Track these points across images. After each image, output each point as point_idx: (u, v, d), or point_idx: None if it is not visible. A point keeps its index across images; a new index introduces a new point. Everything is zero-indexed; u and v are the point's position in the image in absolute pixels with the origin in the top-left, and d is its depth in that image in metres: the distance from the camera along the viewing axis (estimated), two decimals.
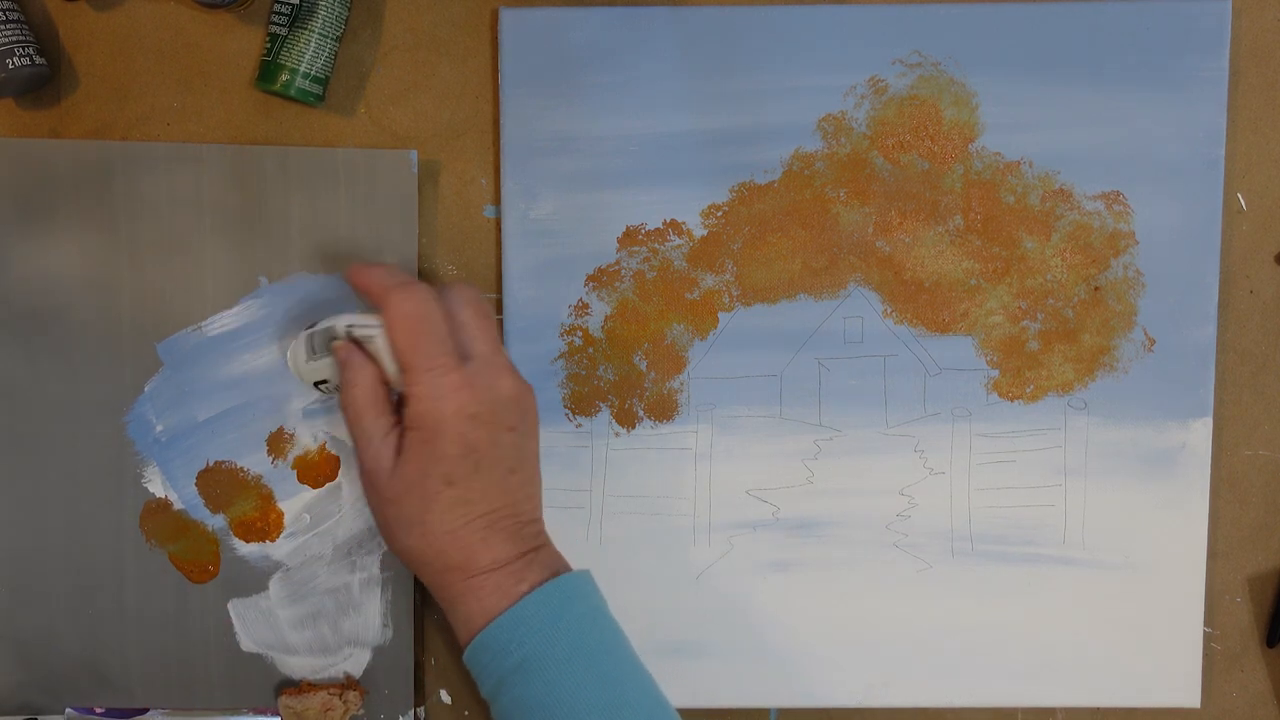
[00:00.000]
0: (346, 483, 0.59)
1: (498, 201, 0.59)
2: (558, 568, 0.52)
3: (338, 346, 0.52)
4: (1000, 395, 0.59)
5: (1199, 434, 0.59)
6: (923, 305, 0.59)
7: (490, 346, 0.52)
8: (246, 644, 0.60)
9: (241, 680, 0.60)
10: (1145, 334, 0.59)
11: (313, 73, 0.57)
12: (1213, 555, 0.60)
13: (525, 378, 0.52)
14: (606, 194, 0.59)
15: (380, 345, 0.51)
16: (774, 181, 0.59)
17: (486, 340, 0.52)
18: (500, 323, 0.60)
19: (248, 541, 0.60)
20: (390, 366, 0.51)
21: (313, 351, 0.54)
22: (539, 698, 0.49)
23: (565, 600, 0.51)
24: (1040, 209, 0.59)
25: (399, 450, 0.51)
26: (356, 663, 0.60)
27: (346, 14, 0.58)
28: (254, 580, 0.60)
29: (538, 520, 0.54)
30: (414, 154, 0.58)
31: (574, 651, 0.50)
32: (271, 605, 0.60)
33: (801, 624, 0.60)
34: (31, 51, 0.56)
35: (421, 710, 0.61)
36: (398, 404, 0.52)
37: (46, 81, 0.58)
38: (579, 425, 0.59)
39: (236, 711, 0.60)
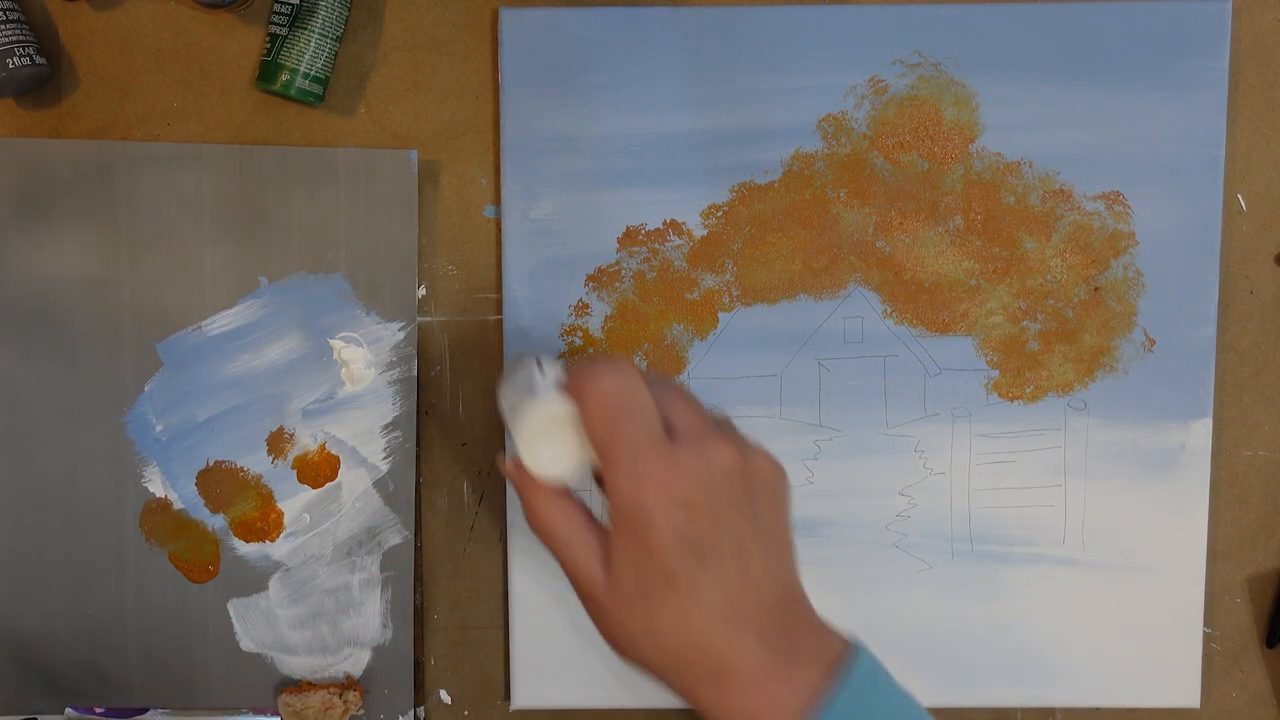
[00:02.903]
0: (346, 482, 0.59)
1: (498, 201, 0.59)
2: (829, 655, 0.44)
3: (506, 469, 0.46)
4: (1000, 395, 0.59)
5: (1199, 434, 0.59)
6: (923, 305, 0.59)
7: (699, 421, 0.45)
8: (246, 644, 0.60)
9: (241, 680, 0.60)
10: (1145, 334, 0.59)
11: (313, 73, 0.57)
12: (1213, 555, 0.60)
13: None
14: (606, 194, 0.59)
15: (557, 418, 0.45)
16: (774, 181, 0.59)
17: (694, 415, 0.45)
18: (500, 324, 0.60)
19: (248, 541, 0.60)
20: (573, 455, 0.45)
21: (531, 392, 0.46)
22: None
23: (864, 709, 0.43)
24: (1040, 209, 0.59)
25: (607, 557, 0.44)
26: (356, 663, 0.60)
27: (346, 14, 0.58)
28: (254, 580, 0.60)
29: (792, 596, 0.45)
30: (414, 154, 0.58)
31: None
32: (271, 605, 0.60)
33: None
34: (31, 51, 0.56)
35: (421, 710, 0.61)
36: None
37: (46, 81, 0.58)
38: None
39: (236, 711, 0.60)
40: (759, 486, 0.45)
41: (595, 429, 0.43)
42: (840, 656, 0.44)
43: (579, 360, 0.45)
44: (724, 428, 0.46)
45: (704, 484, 0.42)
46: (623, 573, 0.43)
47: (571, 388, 0.45)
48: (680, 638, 0.43)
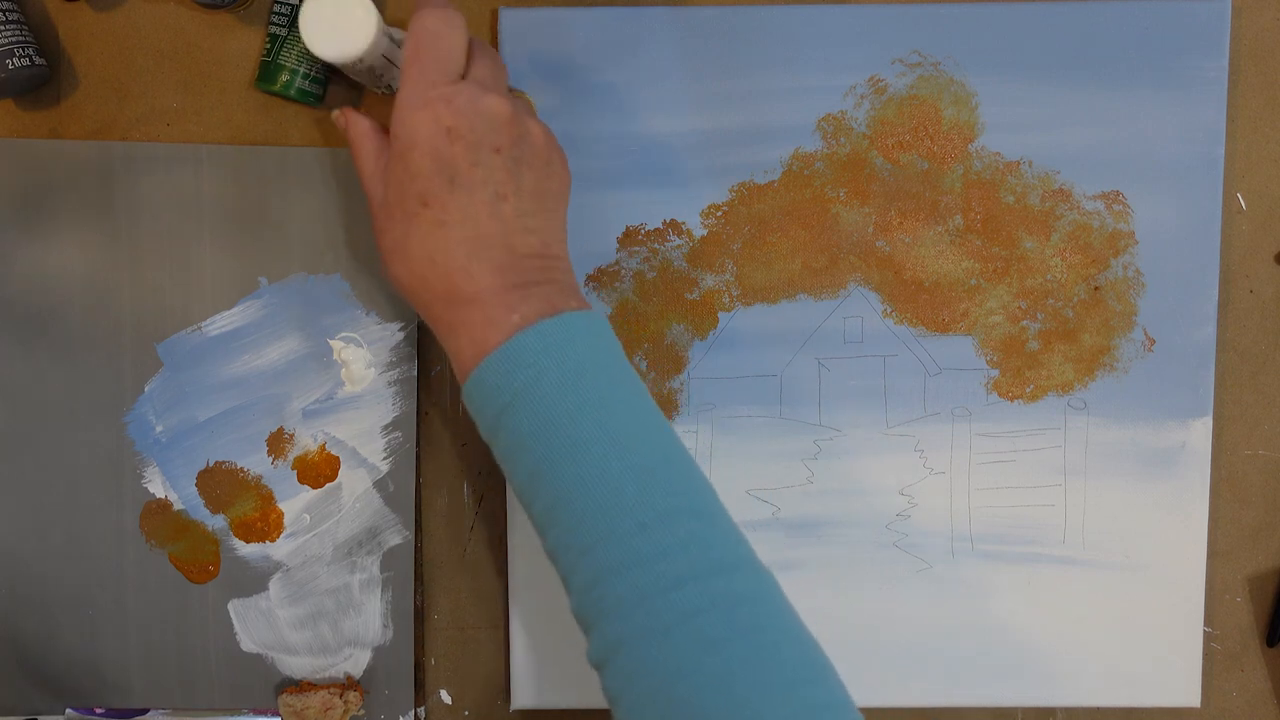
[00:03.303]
0: (346, 483, 0.59)
1: None
2: (562, 306, 0.47)
3: (335, 118, 0.52)
4: (1000, 395, 0.59)
5: (1199, 434, 0.59)
6: (923, 305, 0.59)
7: (492, 79, 0.49)
8: (246, 644, 0.60)
9: (241, 680, 0.60)
10: (1145, 334, 0.59)
11: (312, 73, 0.57)
12: (1213, 555, 0.60)
13: None
14: (606, 194, 0.59)
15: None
16: (774, 181, 0.59)
17: (490, 75, 0.49)
18: None
19: (248, 542, 0.60)
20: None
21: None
22: (532, 429, 0.45)
23: (567, 335, 0.46)
24: (1040, 209, 0.59)
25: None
26: (356, 663, 0.60)
27: None
28: (254, 580, 0.60)
29: (547, 258, 0.48)
30: None
31: (572, 380, 0.45)
32: (271, 605, 0.60)
33: None
34: (31, 52, 0.56)
35: (421, 710, 0.61)
36: None
37: (46, 81, 0.58)
38: None
39: (236, 711, 0.60)
40: (527, 148, 0.49)
41: (405, 53, 0.48)
42: (570, 308, 0.47)
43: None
44: (518, 100, 0.50)
45: (469, 120, 0.47)
46: (390, 189, 0.48)
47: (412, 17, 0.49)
48: (424, 255, 0.47)
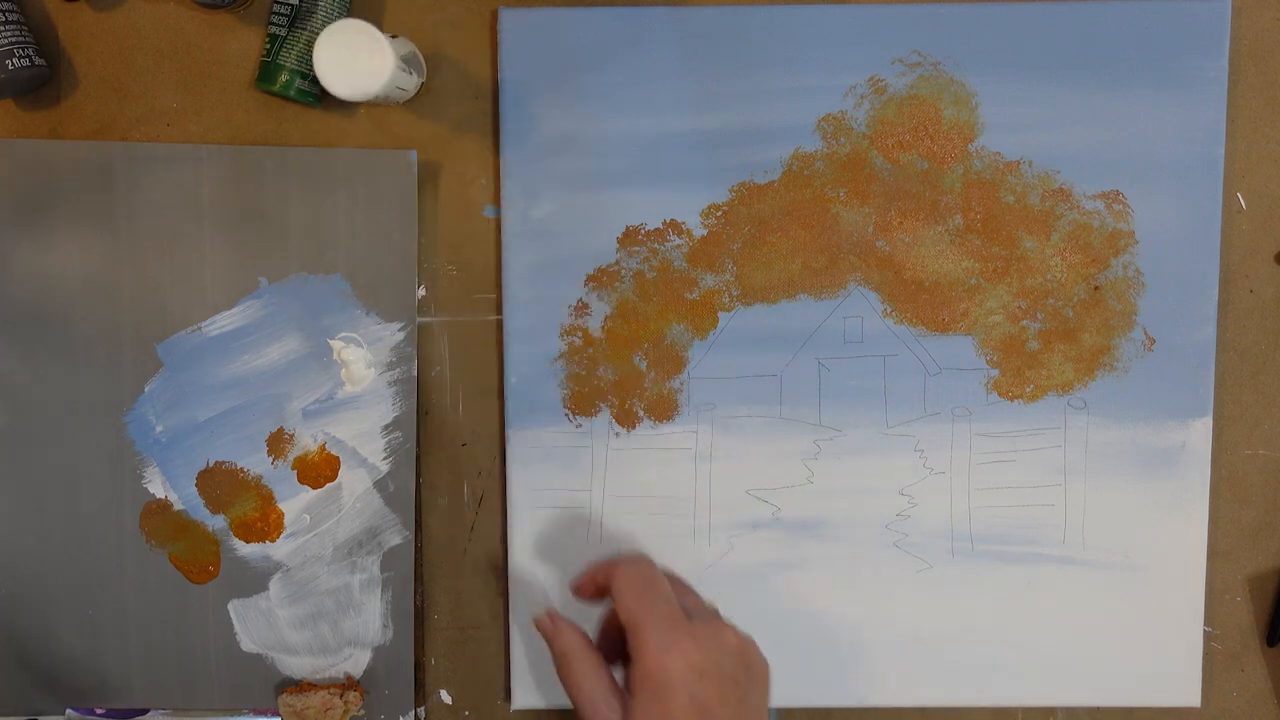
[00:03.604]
0: (346, 483, 0.59)
1: (498, 201, 0.59)
2: None
3: (541, 623, 0.52)
4: (1000, 395, 0.59)
5: (1199, 433, 0.59)
6: (923, 305, 0.59)
7: (703, 605, 0.53)
8: (246, 644, 0.60)
9: (241, 680, 0.60)
10: (1145, 334, 0.59)
11: (312, 73, 0.57)
12: (1213, 555, 0.60)
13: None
14: (606, 194, 0.59)
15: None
16: (774, 181, 0.59)
17: (699, 601, 0.53)
18: (500, 324, 0.60)
19: (248, 542, 0.60)
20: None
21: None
22: None
23: None
24: (1040, 209, 0.59)
25: (626, 713, 0.49)
26: (356, 663, 0.60)
27: (346, 15, 0.58)
28: (254, 580, 0.60)
29: None
30: (414, 154, 0.58)
31: None
32: (271, 605, 0.60)
33: (801, 624, 0.60)
34: (31, 52, 0.56)
35: (421, 710, 0.61)
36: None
37: (46, 82, 0.58)
38: (579, 425, 0.59)
39: (236, 712, 0.60)
40: (753, 671, 0.51)
41: (628, 602, 0.50)
42: None
43: (601, 558, 0.53)
44: (732, 624, 0.52)
45: (716, 658, 0.49)
46: None
47: (603, 571, 0.52)
48: None
